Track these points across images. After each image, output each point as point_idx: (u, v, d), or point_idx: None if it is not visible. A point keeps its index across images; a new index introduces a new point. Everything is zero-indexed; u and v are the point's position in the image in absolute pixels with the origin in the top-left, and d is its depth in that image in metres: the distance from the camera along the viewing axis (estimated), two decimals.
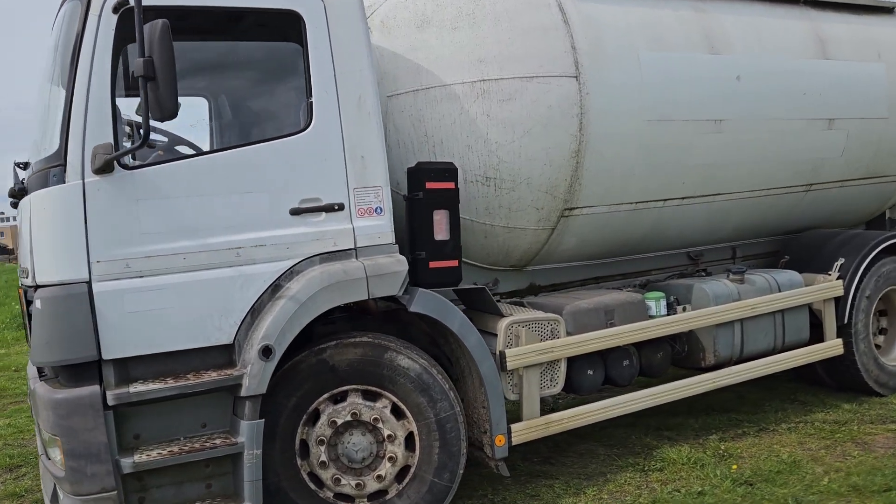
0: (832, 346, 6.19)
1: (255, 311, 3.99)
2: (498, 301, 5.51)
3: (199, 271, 3.88)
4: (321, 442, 4.18)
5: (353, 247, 4.26)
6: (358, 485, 4.21)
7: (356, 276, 4.16)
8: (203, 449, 3.79)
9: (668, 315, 5.46)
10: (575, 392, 5.26)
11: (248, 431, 3.85)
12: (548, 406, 5.48)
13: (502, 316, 4.82)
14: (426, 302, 4.42)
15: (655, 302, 5.44)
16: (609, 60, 5.17)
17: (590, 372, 5.21)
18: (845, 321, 6.29)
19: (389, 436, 4.23)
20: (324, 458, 4.18)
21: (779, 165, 6.20)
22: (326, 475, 4.20)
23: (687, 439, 5.70)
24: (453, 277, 4.63)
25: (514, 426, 4.72)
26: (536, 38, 4.95)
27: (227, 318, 3.94)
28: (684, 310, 5.61)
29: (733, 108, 5.75)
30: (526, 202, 5.11)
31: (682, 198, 5.82)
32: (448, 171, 4.62)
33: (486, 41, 4.89)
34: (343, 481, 4.20)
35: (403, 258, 4.33)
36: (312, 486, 4.21)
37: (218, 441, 3.85)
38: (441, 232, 4.57)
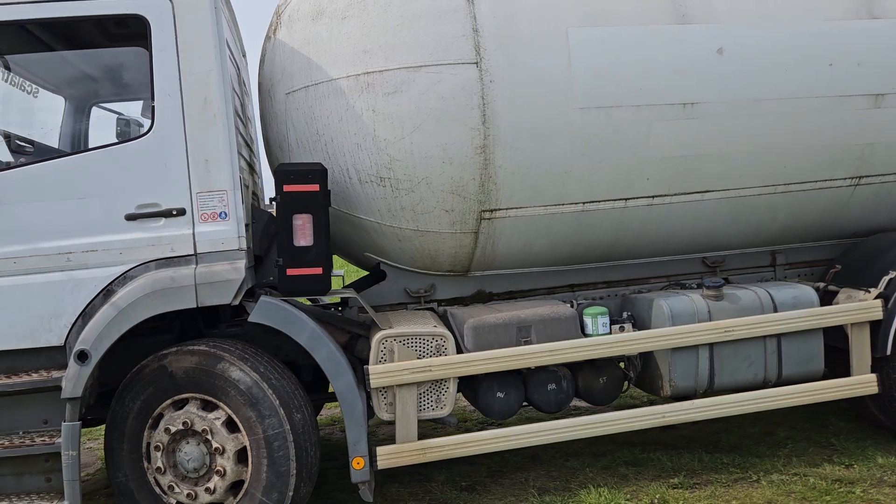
0: (862, 384, 4.89)
1: (87, 315, 4.08)
2: (435, 307, 5.14)
3: (30, 275, 4.04)
4: (158, 448, 4.17)
5: (192, 253, 4.17)
6: (189, 495, 4.15)
7: (184, 283, 4.07)
8: (21, 446, 3.97)
9: (607, 334, 4.67)
10: (486, 416, 4.72)
11: (65, 433, 3.95)
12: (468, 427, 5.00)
13: (381, 328, 4.45)
14: (268, 312, 4.21)
15: (592, 319, 4.68)
16: (524, 42, 4.52)
17: (500, 395, 4.64)
18: (888, 352, 4.95)
19: (217, 448, 4.11)
20: (160, 464, 4.17)
21: (797, 155, 5.03)
22: (164, 481, 4.19)
23: (640, 479, 4.85)
24: (317, 286, 4.35)
25: (381, 449, 4.36)
26: (428, 22, 4.47)
27: (57, 320, 4.07)
28: (631, 328, 4.77)
29: (712, 89, 4.75)
30: (430, 204, 4.66)
31: (652, 196, 4.94)
32: (311, 173, 4.34)
33: (374, 30, 4.51)
34: (177, 489, 4.16)
35: (242, 266, 4.16)
36: (157, 490, 4.22)
37: (37, 440, 4.00)
38: (303, 238, 4.31)
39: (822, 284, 5.44)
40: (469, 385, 4.74)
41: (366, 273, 5.35)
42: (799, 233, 5.52)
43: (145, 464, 4.23)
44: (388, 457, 4.35)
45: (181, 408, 4.19)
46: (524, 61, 4.51)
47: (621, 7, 4.67)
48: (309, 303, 5.09)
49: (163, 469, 4.17)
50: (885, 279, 5.01)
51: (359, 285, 5.24)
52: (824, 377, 4.94)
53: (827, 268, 5.59)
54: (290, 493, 4.10)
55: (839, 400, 4.95)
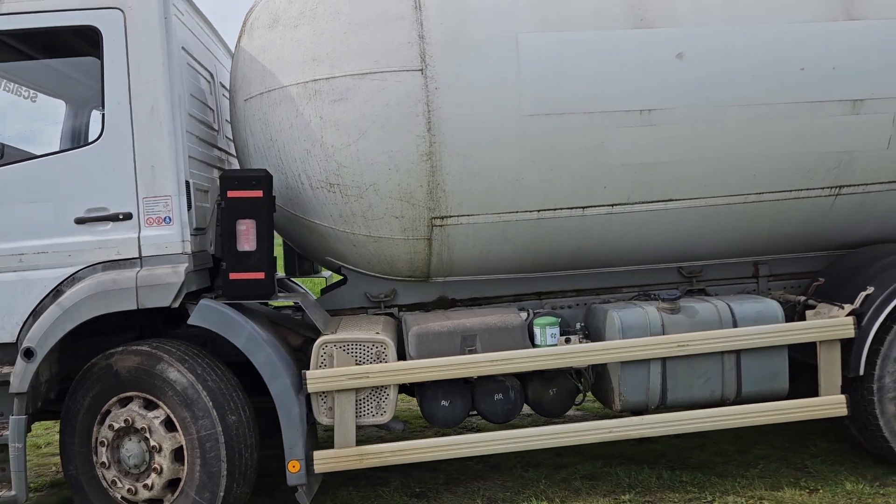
0: (830, 405, 4.66)
1: (37, 314, 4.26)
2: (395, 313, 5.16)
3: None
4: (103, 444, 4.32)
5: (137, 256, 4.31)
6: (130, 490, 4.28)
7: (125, 286, 4.21)
8: None
9: (555, 346, 4.59)
10: (430, 424, 4.71)
11: (12, 426, 4.15)
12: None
13: (322, 334, 4.48)
14: (206, 315, 4.31)
15: (541, 329, 4.60)
16: (473, 48, 4.48)
17: (444, 403, 4.62)
18: (860, 372, 4.69)
19: (154, 447, 4.22)
20: (104, 459, 4.32)
21: (768, 164, 4.82)
22: (109, 476, 4.33)
23: (592, 494, 4.74)
24: (260, 290, 4.41)
25: (318, 454, 4.40)
26: (375, 29, 4.48)
27: (10, 318, 4.27)
28: (582, 340, 4.67)
29: (671, 95, 4.60)
30: (380, 210, 4.67)
31: (612, 205, 4.82)
32: (255, 179, 4.41)
33: (323, 38, 4.54)
34: (119, 484, 4.30)
35: (182, 269, 4.26)
36: (104, 484, 4.37)
37: None
38: (247, 242, 4.39)
39: (802, 298, 5.22)
40: (418, 392, 4.73)
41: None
42: (779, 243, 5.29)
43: (94, 458, 4.38)
44: (325, 461, 4.39)
45: (125, 405, 4.33)
46: (472, 68, 4.47)
47: (576, 12, 4.57)
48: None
49: (107, 464, 4.32)
50: (862, 295, 4.75)
51: (327, 289, 5.30)
52: (799, 395, 4.74)
53: (810, 280, 5.35)
54: (221, 494, 4.18)
55: (823, 419, 4.72)
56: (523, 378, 4.74)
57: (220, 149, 5.40)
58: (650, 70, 4.58)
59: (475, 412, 4.71)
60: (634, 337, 4.57)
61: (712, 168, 4.77)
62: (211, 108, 5.28)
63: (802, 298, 5.19)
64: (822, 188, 4.97)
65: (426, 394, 4.65)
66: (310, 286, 7.15)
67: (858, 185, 4.98)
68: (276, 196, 4.87)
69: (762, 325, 4.61)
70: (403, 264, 4.99)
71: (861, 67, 4.71)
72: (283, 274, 6.47)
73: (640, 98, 4.58)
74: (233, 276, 4.39)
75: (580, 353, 4.52)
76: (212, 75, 5.39)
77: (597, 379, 4.84)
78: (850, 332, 4.63)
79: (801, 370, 4.87)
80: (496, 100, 4.49)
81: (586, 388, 4.78)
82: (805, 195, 4.97)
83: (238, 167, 5.34)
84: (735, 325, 4.62)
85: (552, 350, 4.50)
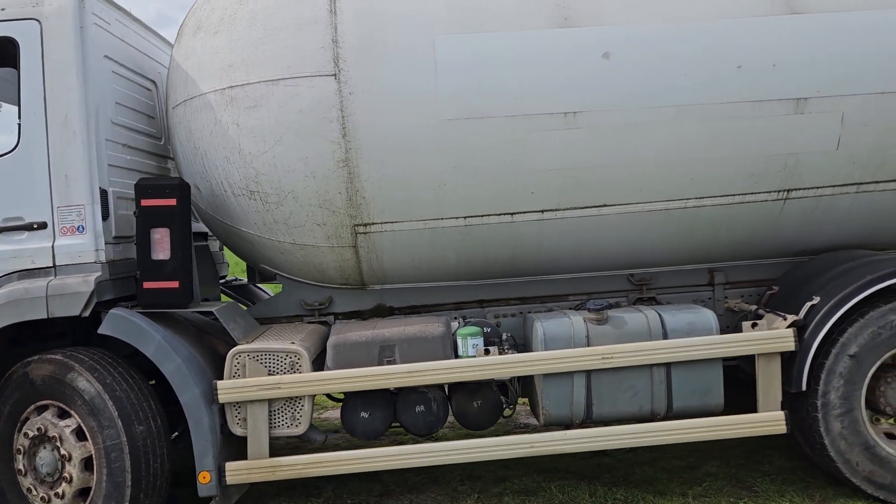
0: (768, 422, 4.40)
1: None
2: (331, 321, 5.08)
3: None
4: (20, 451, 4.35)
5: (51, 265, 4.33)
6: (43, 498, 4.29)
7: (36, 294, 4.23)
8: None
9: (474, 357, 4.44)
10: (351, 435, 4.61)
11: None
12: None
13: (237, 343, 4.43)
14: (116, 324, 4.30)
15: (462, 339, 4.46)
16: (388, 52, 4.36)
17: (364, 414, 4.52)
18: (803, 387, 4.42)
19: (65, 455, 4.23)
20: (21, 466, 4.35)
21: (706, 167, 4.59)
22: (26, 483, 4.36)
23: None
24: (174, 299, 4.39)
25: (230, 465, 4.34)
26: (288, 35, 4.40)
27: None
28: (506, 351, 4.51)
29: (597, 96, 4.41)
30: (301, 218, 4.60)
31: (541, 211, 4.65)
32: (168, 188, 4.38)
33: (239, 44, 4.49)
34: (34, 492, 4.33)
35: (93, 279, 4.26)
36: (24, 491, 4.40)
37: None
38: (161, 251, 4.37)
39: (754, 307, 4.96)
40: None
41: None
42: (732, 250, 5.03)
43: (15, 465, 4.42)
44: (237, 472, 4.34)
45: (41, 414, 4.35)
46: (387, 72, 4.36)
47: (496, 13, 4.41)
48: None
49: (24, 471, 4.35)
50: (808, 305, 4.48)
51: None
52: (750, 410, 4.50)
53: (765, 289, 5.09)
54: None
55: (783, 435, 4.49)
56: (448, 389, 4.61)
57: (164, 156, 5.39)
58: (575, 71, 4.39)
59: (398, 424, 4.60)
60: (558, 348, 4.40)
61: (645, 172, 4.56)
62: (152, 116, 5.28)
63: (755, 308, 4.94)
64: (769, 192, 4.70)
65: (346, 405, 4.56)
66: (276, 292, 7.12)
67: (809, 188, 4.70)
68: (206, 204, 4.89)
69: (694, 338, 4.38)
70: (334, 272, 4.91)
71: (805, 64, 4.43)
72: (245, 279, 6.48)
73: (565, 100, 4.40)
74: (146, 285, 4.37)
75: (497, 366, 4.36)
76: (156, 83, 5.39)
77: (528, 392, 4.68)
78: (790, 345, 4.37)
79: (753, 384, 4.62)
80: (413, 104, 4.37)
81: (513, 400, 4.62)
82: (751, 200, 4.72)
83: None
84: (665, 336, 4.41)
85: (467, 362, 4.36)
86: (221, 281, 6.22)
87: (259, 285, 6.41)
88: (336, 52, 4.36)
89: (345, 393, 4.54)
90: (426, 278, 5.03)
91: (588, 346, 4.39)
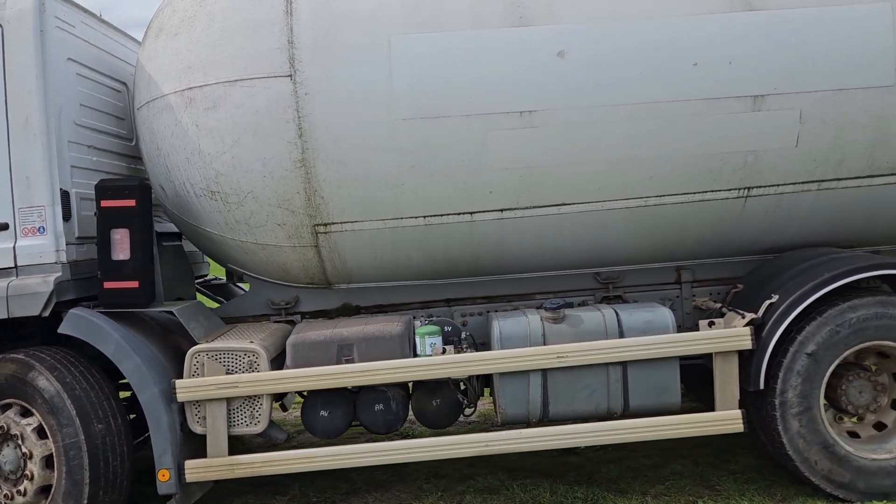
0: (726, 421, 4.39)
1: None
2: (298, 320, 5.11)
3: None
4: None
5: (13, 265, 4.39)
6: (6, 495, 4.36)
7: None
8: None
9: (435, 356, 4.46)
10: (311, 434, 4.64)
11: None
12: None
13: (195, 342, 4.48)
14: (75, 324, 4.36)
15: (420, 339, 4.48)
16: (344, 52, 4.39)
17: (323, 413, 4.55)
18: (761, 386, 4.40)
19: (26, 453, 4.29)
20: None
21: (664, 165, 4.58)
22: None
23: None
24: (134, 298, 4.44)
25: (189, 463, 4.38)
26: (245, 36, 4.44)
27: None
28: (463, 350, 4.53)
29: (552, 95, 4.42)
30: (261, 218, 4.64)
31: (501, 210, 4.67)
32: (127, 189, 4.44)
33: (198, 45, 4.53)
34: None
35: (52, 279, 4.31)
36: None
37: None
38: (121, 251, 4.42)
39: (718, 305, 4.95)
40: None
41: None
42: (697, 248, 5.02)
43: None
44: (196, 470, 4.38)
45: (4, 412, 4.41)
46: (342, 72, 4.38)
47: (452, 12, 4.42)
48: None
49: None
50: (766, 304, 4.46)
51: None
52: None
53: (730, 287, 5.07)
54: (85, 502, 4.21)
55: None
56: (407, 388, 4.64)
57: (135, 157, 5.44)
58: (530, 70, 4.40)
59: (358, 423, 4.63)
60: (514, 347, 4.41)
61: (603, 171, 4.56)
62: (122, 118, 5.33)
63: (719, 306, 4.93)
64: (730, 190, 4.69)
65: (306, 403, 4.60)
66: None
67: (769, 185, 4.68)
68: (171, 204, 4.93)
69: (649, 336, 4.38)
70: (298, 271, 4.94)
71: (762, 61, 4.42)
72: (224, 279, 6.53)
73: (520, 99, 4.41)
74: (107, 284, 4.43)
75: (451, 365, 4.38)
76: (127, 85, 5.43)
77: (490, 390, 4.70)
78: (747, 344, 4.36)
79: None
80: (368, 104, 4.39)
81: (473, 399, 4.63)
82: (711, 198, 4.70)
83: None
84: (622, 335, 4.41)
85: (422, 361, 4.38)
86: (200, 280, 6.27)
87: (239, 284, 6.45)
88: (292, 53, 4.39)
89: (305, 392, 4.58)
90: (391, 277, 5.05)
91: (544, 344, 4.40)
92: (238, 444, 5.49)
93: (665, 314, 4.47)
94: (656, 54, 4.40)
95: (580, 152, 4.51)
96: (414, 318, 5.01)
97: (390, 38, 4.39)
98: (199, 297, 6.09)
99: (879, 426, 4.64)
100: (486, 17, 4.42)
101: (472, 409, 4.71)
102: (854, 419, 4.68)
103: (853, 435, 4.62)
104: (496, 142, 4.46)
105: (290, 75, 4.39)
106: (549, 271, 5.13)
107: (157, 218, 5.35)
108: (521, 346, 4.40)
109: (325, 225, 4.65)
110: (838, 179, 4.69)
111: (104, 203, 4.41)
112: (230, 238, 4.81)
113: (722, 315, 4.76)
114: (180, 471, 4.37)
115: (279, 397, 5.28)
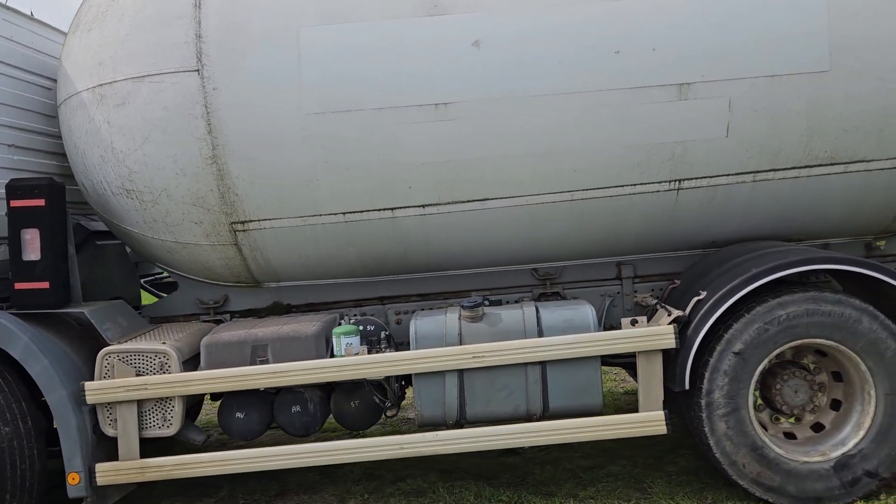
0: (648, 422, 4.22)
1: None
2: (226, 319, 5.02)
3: None
4: None
5: None
6: None
7: None
8: None
9: (347, 356, 4.34)
10: (228, 435, 4.55)
11: None
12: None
13: (108, 344, 4.40)
14: None
15: (336, 339, 4.37)
16: (252, 46, 4.27)
17: (239, 415, 4.46)
18: (686, 386, 4.23)
19: None
20: None
21: (588, 158, 4.40)
22: None
23: None
24: (46, 299, 4.38)
25: (100, 466, 4.31)
26: (153, 30, 4.34)
27: None
28: (379, 350, 4.41)
29: (468, 86, 4.26)
30: (177, 216, 4.54)
31: (422, 206, 4.53)
32: (37, 188, 4.36)
33: (108, 41, 4.44)
34: None
35: None
36: None
37: None
38: (32, 252, 4.36)
39: (655, 302, 4.78)
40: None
41: None
42: (634, 243, 4.84)
43: None
44: (106, 474, 4.31)
45: None
46: (251, 67, 4.27)
47: (363, 2, 4.28)
48: None
49: None
50: (694, 301, 4.28)
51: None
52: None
53: (669, 283, 4.90)
54: (7, 497, 4.17)
55: None
56: (327, 390, 4.53)
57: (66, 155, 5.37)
58: (444, 61, 4.25)
59: (276, 425, 4.53)
60: (430, 347, 4.28)
61: (525, 165, 4.40)
62: (53, 116, 5.25)
63: (655, 302, 4.77)
64: (660, 182, 4.50)
65: (222, 405, 4.51)
66: None
67: (701, 177, 4.49)
68: (94, 203, 4.85)
69: (569, 335, 4.22)
70: (223, 270, 4.85)
71: (687, 48, 4.22)
72: None
73: (435, 91, 4.26)
74: (18, 285, 4.37)
75: (362, 365, 4.25)
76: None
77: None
78: (670, 342, 4.19)
79: None
80: (277, 99, 4.27)
81: (393, 401, 4.51)
82: (641, 191, 4.52)
83: None
84: (541, 334, 4.26)
85: (333, 362, 4.26)
86: (150, 278, 6.21)
87: None
88: (199, 47, 4.28)
89: (222, 394, 4.49)
90: (321, 275, 4.94)
91: (461, 344, 4.26)
92: (176, 445, 5.40)
93: (587, 312, 4.31)
94: (576, 42, 4.23)
95: (500, 145, 4.35)
96: (343, 316, 4.90)
97: (299, 30, 4.26)
98: (145, 295, 6.05)
99: (818, 427, 4.45)
100: (399, 7, 4.27)
101: (395, 410, 4.59)
102: (792, 420, 4.50)
103: (790, 436, 4.44)
104: (411, 135, 4.32)
105: (198, 70, 4.28)
106: (485, 268, 4.99)
107: (95, 217, 5.30)
108: (437, 346, 4.27)
109: (243, 223, 4.55)
110: (775, 170, 4.48)
111: (13, 203, 4.34)
112: (151, 237, 4.72)
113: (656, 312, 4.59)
114: (91, 474, 4.30)
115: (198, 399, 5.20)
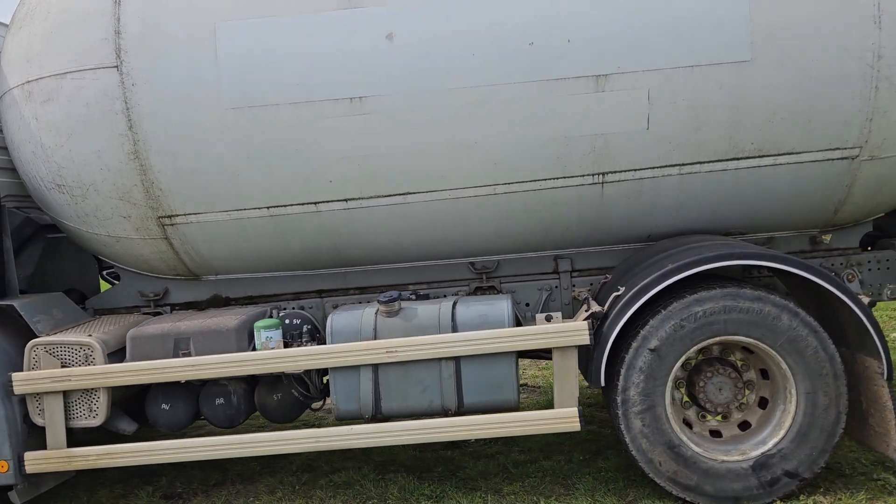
0: (562, 419, 4.18)
1: None
2: (168, 312, 5.10)
3: None
4: None
5: None
6: None
7: None
8: None
9: (263, 350, 4.38)
10: (154, 428, 4.63)
11: None
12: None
13: (37, 336, 4.50)
14: None
15: (257, 332, 4.41)
16: (170, 42, 4.30)
17: (164, 406, 4.54)
18: (602, 383, 4.18)
19: None
20: None
21: (507, 151, 4.35)
22: None
23: None
24: None
25: (29, 455, 4.42)
26: (76, 28, 4.40)
27: None
28: (304, 343, 4.43)
29: (382, 80, 4.24)
30: (106, 211, 4.62)
31: (346, 200, 4.53)
32: None
33: (35, 38, 4.51)
34: None
35: None
36: None
37: None
38: None
39: (586, 297, 4.73)
40: None
41: None
42: (566, 236, 4.78)
43: None
44: (35, 462, 4.42)
45: None
46: (169, 63, 4.30)
47: None
48: None
49: None
50: (613, 296, 4.22)
51: None
52: None
53: (602, 278, 4.84)
54: None
55: None
56: (252, 383, 4.58)
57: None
58: (359, 54, 4.23)
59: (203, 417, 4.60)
60: (346, 341, 4.29)
61: (444, 158, 4.36)
62: None
63: (586, 297, 4.71)
64: (583, 176, 4.43)
65: (148, 396, 4.59)
66: None
67: (625, 171, 4.41)
68: (34, 198, 4.95)
69: (482, 331, 4.19)
70: (158, 263, 4.92)
71: (603, 38, 4.14)
72: None
73: (350, 85, 4.25)
74: None
75: (279, 359, 4.28)
76: None
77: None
78: (584, 339, 4.14)
79: None
80: (196, 94, 4.30)
81: (315, 394, 4.53)
82: (564, 185, 4.46)
83: None
84: (455, 329, 4.24)
85: (248, 355, 4.30)
86: (112, 269, 6.32)
87: None
88: (118, 44, 4.33)
89: (149, 385, 4.57)
90: (258, 269, 4.98)
91: (376, 339, 4.27)
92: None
93: (502, 308, 4.28)
94: (490, 34, 4.17)
95: (417, 139, 4.32)
96: (278, 309, 4.94)
97: (216, 25, 4.28)
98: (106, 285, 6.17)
99: (746, 426, 4.36)
100: (314, 1, 4.26)
101: (321, 403, 4.62)
102: (719, 417, 4.41)
103: (717, 434, 4.36)
104: (329, 130, 4.32)
105: (117, 66, 4.33)
106: (422, 261, 4.98)
107: None
108: (352, 341, 4.28)
109: (170, 217, 4.60)
110: (701, 163, 4.38)
111: None
112: (86, 231, 4.81)
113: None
114: (20, 462, 4.42)
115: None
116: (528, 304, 5.00)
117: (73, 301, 5.12)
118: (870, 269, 4.86)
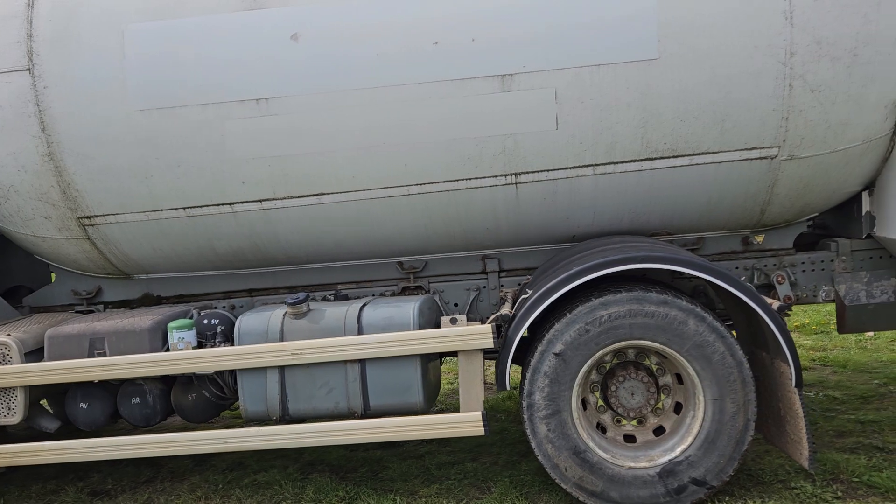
0: (466, 423, 4.13)
1: None
2: (98, 309, 5.16)
3: None
4: None
5: None
6: None
7: None
8: None
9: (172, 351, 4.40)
10: (74, 425, 4.68)
11: None
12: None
13: None
14: None
15: (170, 333, 4.42)
16: (79, 45, 4.32)
17: (83, 405, 4.59)
18: (506, 387, 4.12)
19: None
20: None
21: (416, 152, 4.30)
22: None
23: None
24: None
25: None
26: None
27: None
28: (217, 344, 4.44)
29: (288, 81, 4.21)
30: (28, 211, 4.67)
31: (260, 200, 4.52)
32: None
33: None
34: None
35: None
36: None
37: None
38: None
39: (506, 298, 4.66)
40: None
41: None
42: (487, 237, 4.72)
43: None
44: None
45: None
46: (78, 65, 4.32)
47: None
48: None
49: None
50: (521, 299, 4.16)
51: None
52: None
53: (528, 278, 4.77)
54: None
55: None
56: (169, 383, 4.61)
57: None
58: (264, 55, 4.20)
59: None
60: (253, 343, 4.29)
61: (353, 159, 4.33)
62: None
63: (506, 299, 4.65)
64: (496, 176, 4.36)
65: (67, 395, 4.64)
66: None
67: (538, 171, 4.33)
68: None
69: (386, 334, 4.16)
70: (87, 262, 4.97)
71: (507, 37, 4.06)
72: None
73: (256, 86, 4.23)
74: None
75: (186, 360, 4.29)
76: None
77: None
78: (488, 342, 4.08)
79: None
80: (104, 96, 4.32)
81: (229, 395, 4.54)
82: (478, 185, 4.39)
83: None
84: (360, 332, 4.21)
85: (155, 356, 4.31)
86: None
87: None
88: (30, 46, 4.35)
89: (69, 385, 4.61)
90: (185, 268, 5.00)
91: (282, 340, 4.26)
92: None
93: (408, 310, 4.24)
94: (394, 34, 4.12)
95: (325, 140, 4.29)
96: (202, 309, 4.96)
97: (124, 27, 4.28)
98: None
99: (661, 430, 4.28)
100: (220, 1, 4.24)
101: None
102: (634, 422, 4.34)
103: (631, 439, 4.29)
104: (236, 131, 4.30)
105: (29, 69, 4.35)
106: (349, 261, 4.96)
107: None
108: (260, 342, 4.28)
109: (89, 217, 4.64)
110: (614, 163, 4.28)
111: None
112: (14, 230, 4.87)
113: None
114: None
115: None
116: (456, 305, 4.97)
117: (17, 298, 5.21)
118: (804, 271, 4.73)
